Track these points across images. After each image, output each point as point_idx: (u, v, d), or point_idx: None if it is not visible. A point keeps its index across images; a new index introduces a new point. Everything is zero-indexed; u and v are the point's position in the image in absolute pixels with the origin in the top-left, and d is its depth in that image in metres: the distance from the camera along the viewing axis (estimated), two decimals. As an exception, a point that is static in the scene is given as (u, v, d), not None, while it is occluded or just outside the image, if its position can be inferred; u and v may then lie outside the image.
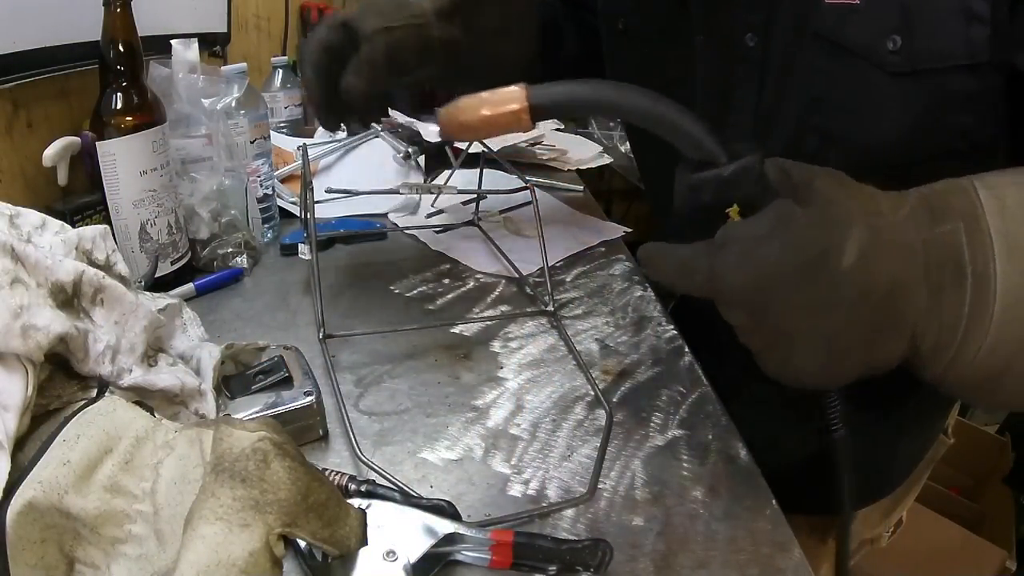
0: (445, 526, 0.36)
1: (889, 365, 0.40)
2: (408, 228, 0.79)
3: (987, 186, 0.39)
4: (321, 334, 0.52)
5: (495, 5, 0.67)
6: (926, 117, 0.48)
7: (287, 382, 0.45)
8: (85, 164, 0.64)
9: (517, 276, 0.69)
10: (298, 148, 1.00)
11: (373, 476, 0.42)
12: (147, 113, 0.59)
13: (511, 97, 0.40)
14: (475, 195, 0.80)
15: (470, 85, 0.60)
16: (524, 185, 0.70)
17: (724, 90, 0.59)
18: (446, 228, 0.80)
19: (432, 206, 0.86)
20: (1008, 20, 0.43)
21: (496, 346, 0.58)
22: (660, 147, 0.52)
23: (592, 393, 0.52)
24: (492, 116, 0.41)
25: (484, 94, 0.42)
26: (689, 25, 0.60)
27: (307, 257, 0.66)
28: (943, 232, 0.38)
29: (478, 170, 0.79)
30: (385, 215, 0.84)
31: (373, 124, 1.19)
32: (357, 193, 0.52)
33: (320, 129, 1.12)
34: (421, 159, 1.02)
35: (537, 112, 0.40)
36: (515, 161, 1.02)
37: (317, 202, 0.57)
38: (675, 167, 0.63)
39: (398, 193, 0.49)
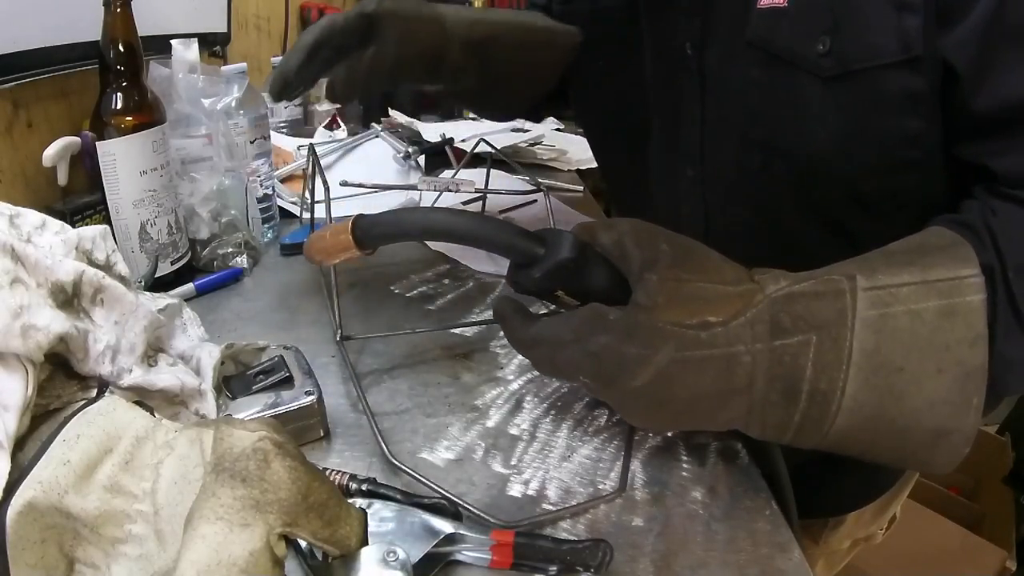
0: (445, 526, 0.36)
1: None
2: None
3: (878, 285, 0.35)
4: (338, 336, 0.52)
5: (520, 56, 0.64)
6: (865, 123, 0.45)
7: (288, 382, 0.45)
8: (85, 164, 0.64)
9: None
10: (299, 148, 1.00)
11: (391, 480, 0.42)
12: (147, 113, 0.59)
13: (344, 228, 0.43)
14: (479, 195, 0.80)
15: (474, 108, 0.58)
16: (534, 188, 0.69)
17: (672, 102, 0.58)
18: None
19: (433, 205, 0.85)
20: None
21: (496, 346, 0.58)
22: (618, 155, 0.51)
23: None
24: (330, 246, 0.44)
25: (328, 229, 0.45)
26: (641, 36, 0.59)
27: None
28: (784, 345, 0.35)
29: (485, 169, 0.79)
30: None
31: (373, 124, 1.20)
32: (376, 188, 0.52)
33: (320, 128, 1.12)
34: (421, 159, 1.02)
35: (362, 243, 0.43)
36: (515, 162, 1.02)
37: (334, 199, 0.56)
38: (635, 173, 0.62)
39: (415, 189, 0.49)
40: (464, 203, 0.86)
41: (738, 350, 0.35)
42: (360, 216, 0.43)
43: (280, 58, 1.11)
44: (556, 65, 0.67)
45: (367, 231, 0.42)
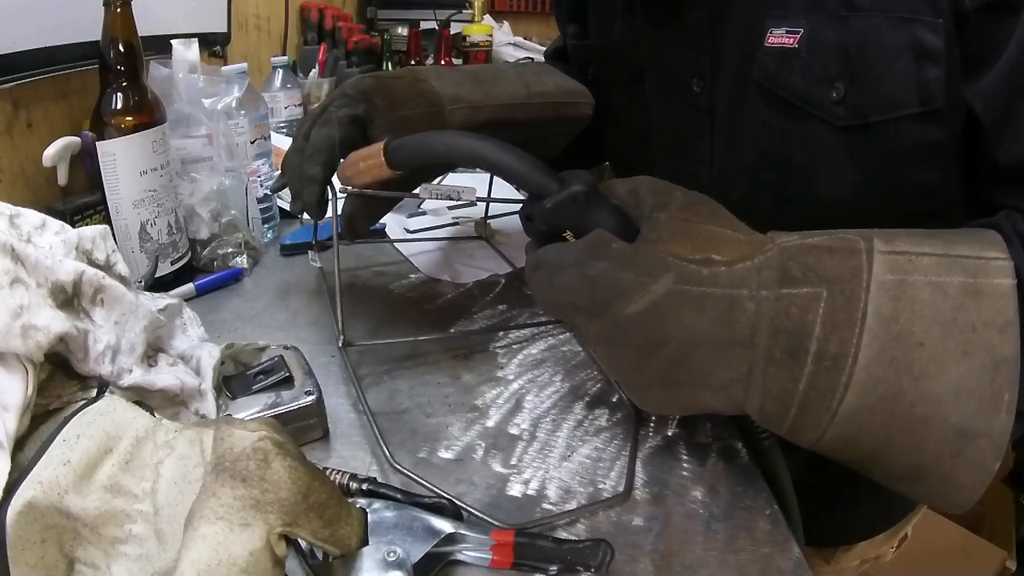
0: (445, 526, 0.36)
1: (713, 411, 0.38)
2: (415, 239, 0.79)
3: (898, 251, 0.32)
4: (340, 342, 0.52)
5: (528, 131, 0.61)
6: (881, 174, 0.43)
7: (288, 382, 0.45)
8: (85, 164, 0.64)
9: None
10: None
11: (397, 480, 0.42)
12: (147, 113, 0.59)
13: (375, 151, 0.47)
14: (481, 201, 0.80)
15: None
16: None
17: (677, 140, 0.56)
18: (454, 236, 0.80)
19: (418, 208, 0.85)
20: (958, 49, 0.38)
21: (496, 346, 0.58)
22: (629, 151, 0.50)
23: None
24: (364, 168, 0.48)
25: (361, 152, 0.48)
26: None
27: (318, 264, 0.66)
28: (792, 295, 0.32)
29: (480, 172, 0.78)
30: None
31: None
32: (376, 194, 0.52)
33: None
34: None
35: (391, 162, 0.46)
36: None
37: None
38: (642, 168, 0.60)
39: (417, 196, 0.50)
40: (449, 208, 0.85)
41: (741, 294, 0.33)
42: (392, 138, 0.46)
43: (280, 58, 1.12)
44: (567, 133, 0.65)
45: (397, 149, 0.46)
